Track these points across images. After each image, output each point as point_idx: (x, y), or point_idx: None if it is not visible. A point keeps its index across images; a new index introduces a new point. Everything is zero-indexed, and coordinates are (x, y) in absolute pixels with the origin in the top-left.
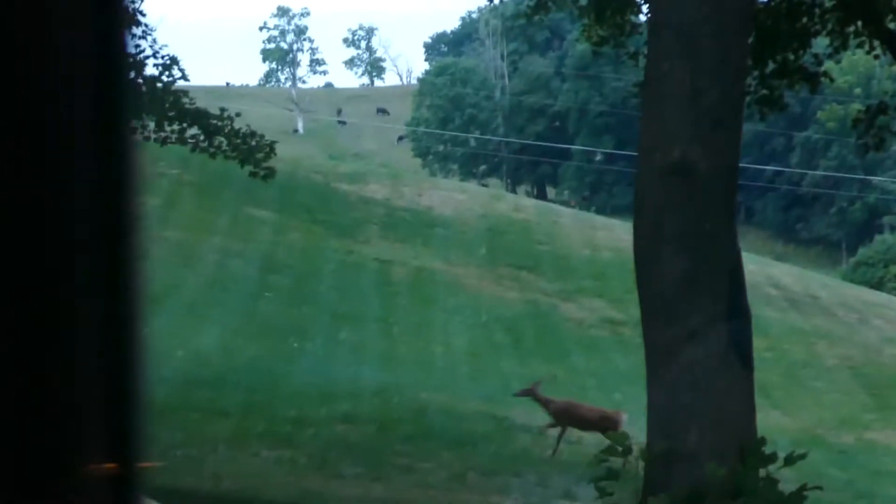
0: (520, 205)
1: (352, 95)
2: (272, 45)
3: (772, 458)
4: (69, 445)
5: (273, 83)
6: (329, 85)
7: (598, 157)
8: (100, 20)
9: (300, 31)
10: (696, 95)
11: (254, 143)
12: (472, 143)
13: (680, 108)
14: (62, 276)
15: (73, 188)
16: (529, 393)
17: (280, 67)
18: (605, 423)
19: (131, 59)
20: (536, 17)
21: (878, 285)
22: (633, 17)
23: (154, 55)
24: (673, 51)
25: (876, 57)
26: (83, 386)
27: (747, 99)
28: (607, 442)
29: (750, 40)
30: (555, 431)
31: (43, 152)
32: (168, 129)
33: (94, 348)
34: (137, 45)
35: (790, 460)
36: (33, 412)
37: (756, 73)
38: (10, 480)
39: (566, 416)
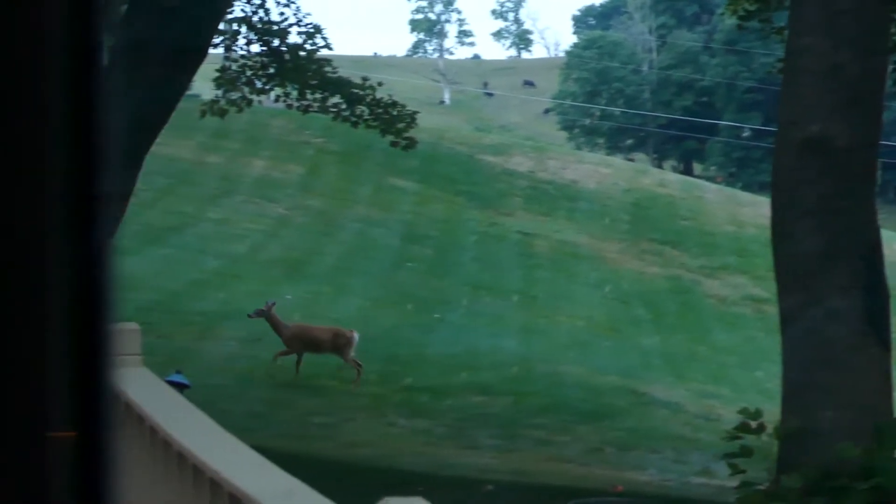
0: (664, 180)
1: (498, 67)
2: (420, 16)
3: None
4: (31, 415)
5: (420, 54)
6: (476, 56)
7: (746, 133)
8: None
9: (448, 2)
10: (837, 70)
11: (395, 112)
12: (619, 116)
13: (820, 83)
14: (29, 252)
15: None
16: (263, 313)
17: (428, 38)
18: (338, 341)
19: (276, 27)
20: None
21: None
22: None
23: (297, 23)
24: (814, 25)
25: None
26: (46, 357)
27: (894, 75)
28: (739, 418)
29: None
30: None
31: (13, 140)
32: (310, 97)
33: (59, 315)
34: (281, 14)
35: None
36: None
37: None
38: None
39: (299, 340)
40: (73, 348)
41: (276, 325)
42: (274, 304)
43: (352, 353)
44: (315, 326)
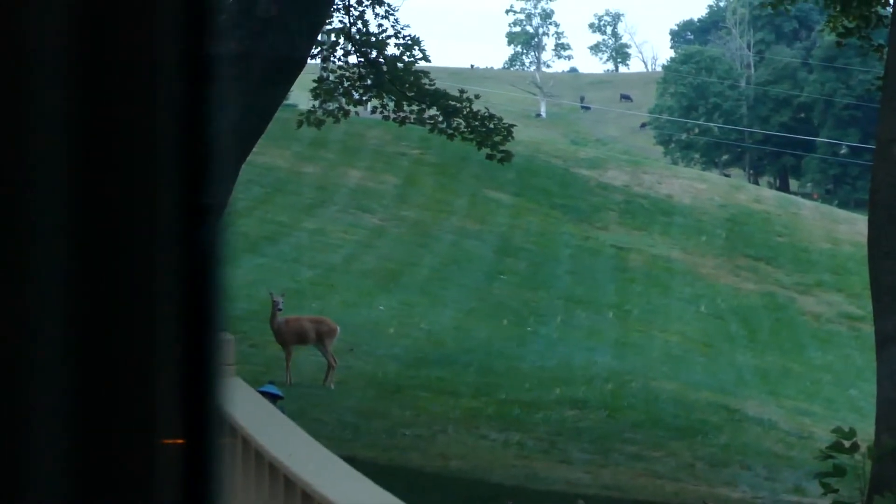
0: (760, 196)
1: (595, 81)
2: (518, 29)
3: None
4: (138, 420)
5: (517, 67)
6: (573, 70)
7: (843, 150)
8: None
9: (546, 15)
10: None
11: (491, 125)
12: (716, 132)
13: None
14: (136, 255)
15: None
16: (276, 305)
17: (525, 51)
18: (321, 329)
19: (374, 39)
20: (782, 7)
21: None
22: (879, 9)
23: (396, 35)
24: None
25: None
26: (156, 363)
27: None
28: (832, 436)
29: None
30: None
31: (121, 144)
32: (407, 109)
33: (169, 322)
34: (380, 25)
35: None
36: (102, 387)
37: None
38: (78, 455)
39: (287, 332)
40: (182, 355)
41: (272, 316)
42: (283, 295)
43: (331, 346)
44: (300, 317)
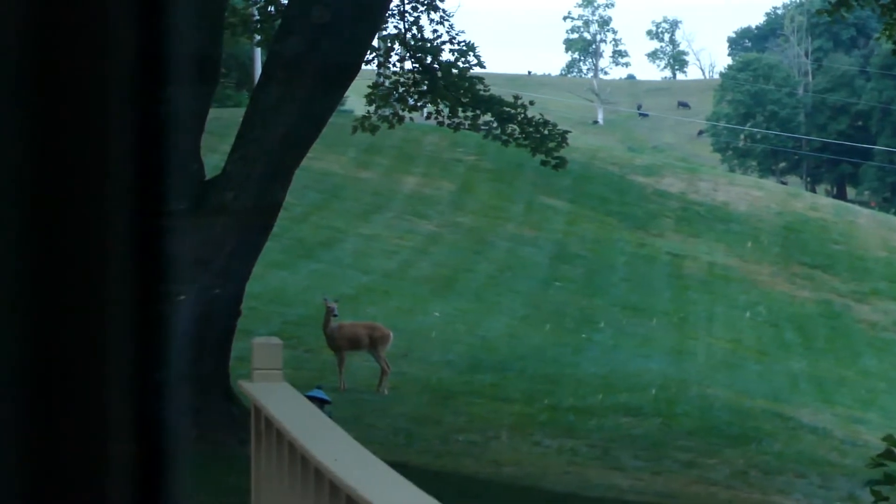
0: (817, 203)
1: (653, 88)
2: (575, 35)
3: None
4: (92, 430)
5: (575, 73)
6: (631, 77)
7: None
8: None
9: (604, 22)
10: None
11: (546, 131)
12: (772, 139)
13: None
14: (90, 263)
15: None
16: (331, 311)
17: (582, 58)
18: (375, 335)
19: (429, 44)
20: (839, 15)
21: None
22: None
23: (450, 41)
24: None
25: None
26: (108, 370)
27: None
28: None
29: None
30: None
31: (71, 146)
32: (462, 115)
33: (121, 328)
34: (435, 31)
35: None
36: (54, 397)
37: None
38: (32, 467)
39: (340, 338)
40: (137, 361)
41: (326, 322)
42: (337, 301)
43: (385, 352)
44: (354, 322)
